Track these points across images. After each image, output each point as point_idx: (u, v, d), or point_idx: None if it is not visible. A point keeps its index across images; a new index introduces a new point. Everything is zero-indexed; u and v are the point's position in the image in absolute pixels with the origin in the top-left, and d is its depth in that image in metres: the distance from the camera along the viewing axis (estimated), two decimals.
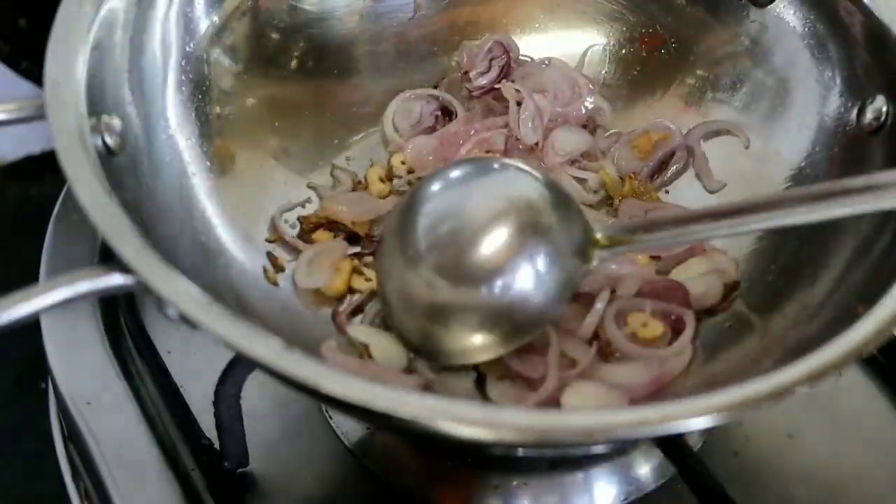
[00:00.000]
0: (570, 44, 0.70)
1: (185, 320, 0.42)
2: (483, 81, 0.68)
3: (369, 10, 0.68)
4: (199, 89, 0.60)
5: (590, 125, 0.68)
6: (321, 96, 0.67)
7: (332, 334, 0.58)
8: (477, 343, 0.53)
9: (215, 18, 0.62)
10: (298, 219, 0.63)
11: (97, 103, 0.50)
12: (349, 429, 0.59)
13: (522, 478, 0.57)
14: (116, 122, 0.51)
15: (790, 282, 0.56)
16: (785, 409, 0.60)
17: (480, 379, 0.55)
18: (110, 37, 0.53)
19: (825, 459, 0.60)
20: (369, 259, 0.61)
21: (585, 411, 0.49)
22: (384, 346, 0.56)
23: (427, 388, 0.54)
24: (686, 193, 0.66)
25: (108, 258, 0.58)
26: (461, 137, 0.66)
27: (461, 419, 0.39)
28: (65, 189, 0.67)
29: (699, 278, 0.59)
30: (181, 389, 0.60)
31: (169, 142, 0.57)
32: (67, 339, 0.62)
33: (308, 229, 0.62)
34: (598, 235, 0.53)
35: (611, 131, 0.68)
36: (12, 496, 0.73)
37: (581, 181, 0.66)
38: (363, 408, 0.40)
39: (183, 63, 0.59)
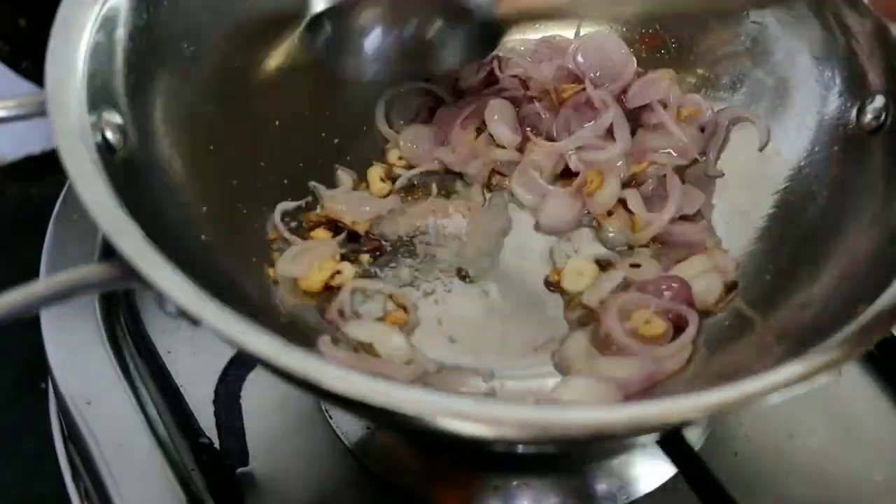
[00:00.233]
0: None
1: (186, 316, 0.42)
2: (471, 82, 0.68)
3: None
4: (199, 87, 0.60)
5: None
6: (322, 96, 0.67)
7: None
8: None
9: None
10: (301, 217, 0.63)
11: (98, 100, 0.50)
12: (349, 428, 0.59)
13: (522, 478, 0.57)
14: (117, 119, 0.51)
15: (790, 281, 0.56)
16: (785, 409, 0.60)
17: None
18: (110, 36, 0.53)
19: (825, 459, 0.60)
20: (365, 257, 0.61)
21: (585, 407, 0.49)
22: (386, 341, 0.56)
23: (426, 376, 0.54)
24: None
25: (108, 257, 0.58)
26: (455, 115, 0.66)
27: (462, 415, 0.39)
28: (65, 189, 0.68)
29: (700, 276, 0.59)
30: (181, 389, 0.61)
31: (169, 138, 0.57)
32: (67, 339, 0.62)
33: (308, 227, 0.62)
34: None
35: None
36: (12, 496, 0.72)
37: None
38: (364, 403, 0.40)
39: (183, 61, 0.59)
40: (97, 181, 0.45)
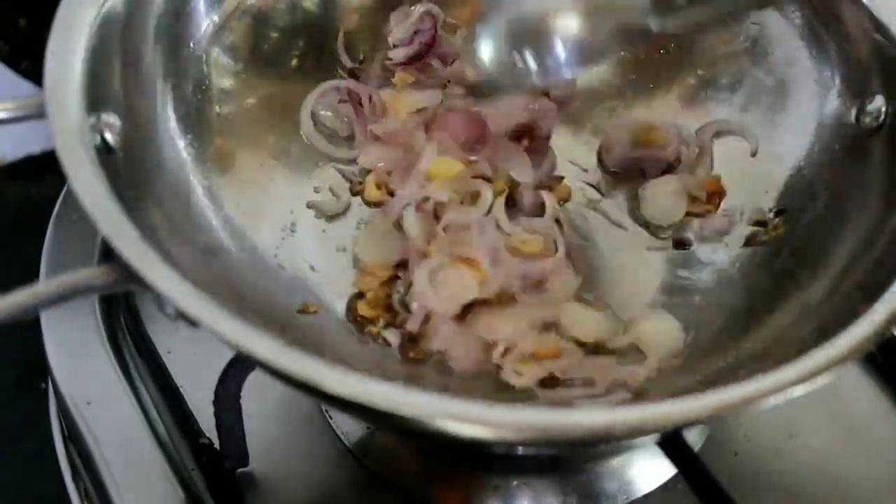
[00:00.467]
0: None
1: (185, 318, 0.42)
2: (400, 55, 0.66)
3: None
4: (198, 88, 0.60)
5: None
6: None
7: (330, 335, 0.57)
8: None
9: (215, 17, 0.62)
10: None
11: (97, 102, 0.50)
12: (349, 429, 0.59)
13: (522, 478, 0.57)
14: (116, 121, 0.51)
15: (790, 282, 0.56)
16: (785, 409, 0.60)
17: None
18: (110, 36, 0.53)
19: (825, 459, 0.60)
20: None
21: (587, 410, 0.49)
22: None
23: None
24: None
25: (108, 258, 0.58)
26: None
27: (461, 417, 0.39)
28: (65, 189, 0.67)
29: (665, 196, 0.63)
30: (181, 389, 0.60)
31: (168, 141, 0.57)
32: (67, 339, 0.62)
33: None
34: None
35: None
36: (12, 496, 0.72)
37: None
38: (364, 406, 0.40)
39: (183, 62, 0.59)
40: (95, 182, 0.45)
